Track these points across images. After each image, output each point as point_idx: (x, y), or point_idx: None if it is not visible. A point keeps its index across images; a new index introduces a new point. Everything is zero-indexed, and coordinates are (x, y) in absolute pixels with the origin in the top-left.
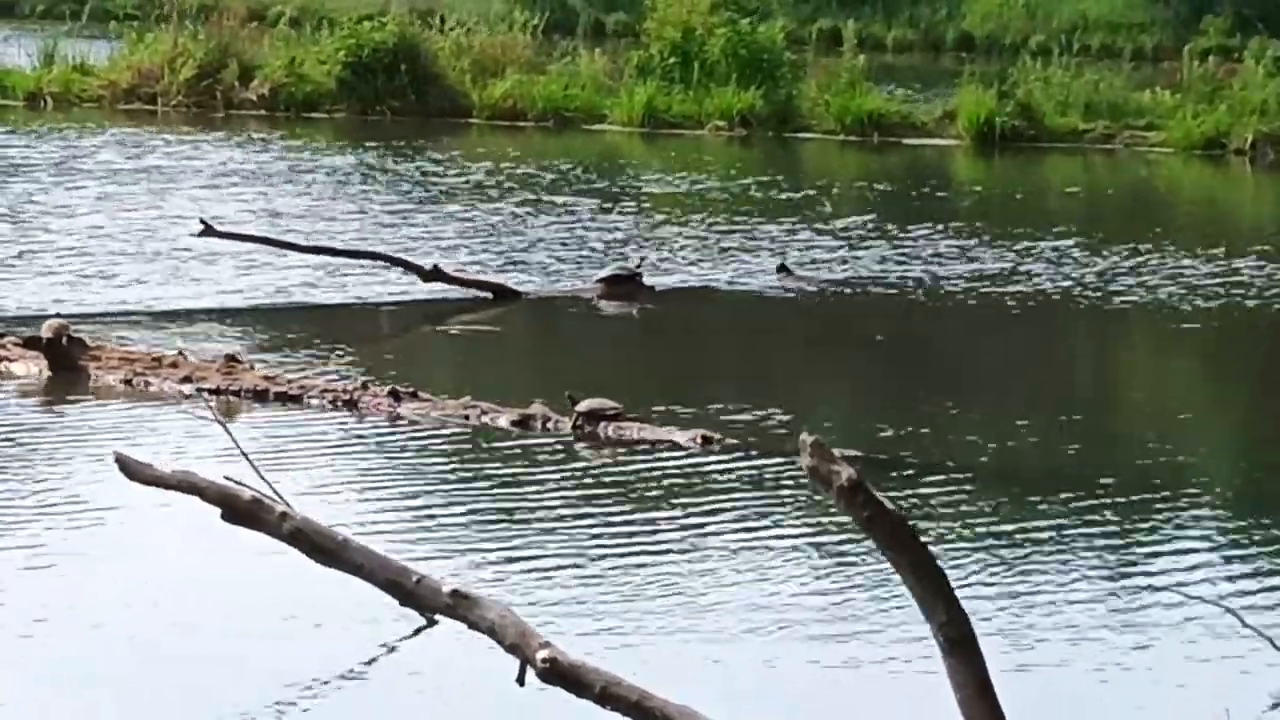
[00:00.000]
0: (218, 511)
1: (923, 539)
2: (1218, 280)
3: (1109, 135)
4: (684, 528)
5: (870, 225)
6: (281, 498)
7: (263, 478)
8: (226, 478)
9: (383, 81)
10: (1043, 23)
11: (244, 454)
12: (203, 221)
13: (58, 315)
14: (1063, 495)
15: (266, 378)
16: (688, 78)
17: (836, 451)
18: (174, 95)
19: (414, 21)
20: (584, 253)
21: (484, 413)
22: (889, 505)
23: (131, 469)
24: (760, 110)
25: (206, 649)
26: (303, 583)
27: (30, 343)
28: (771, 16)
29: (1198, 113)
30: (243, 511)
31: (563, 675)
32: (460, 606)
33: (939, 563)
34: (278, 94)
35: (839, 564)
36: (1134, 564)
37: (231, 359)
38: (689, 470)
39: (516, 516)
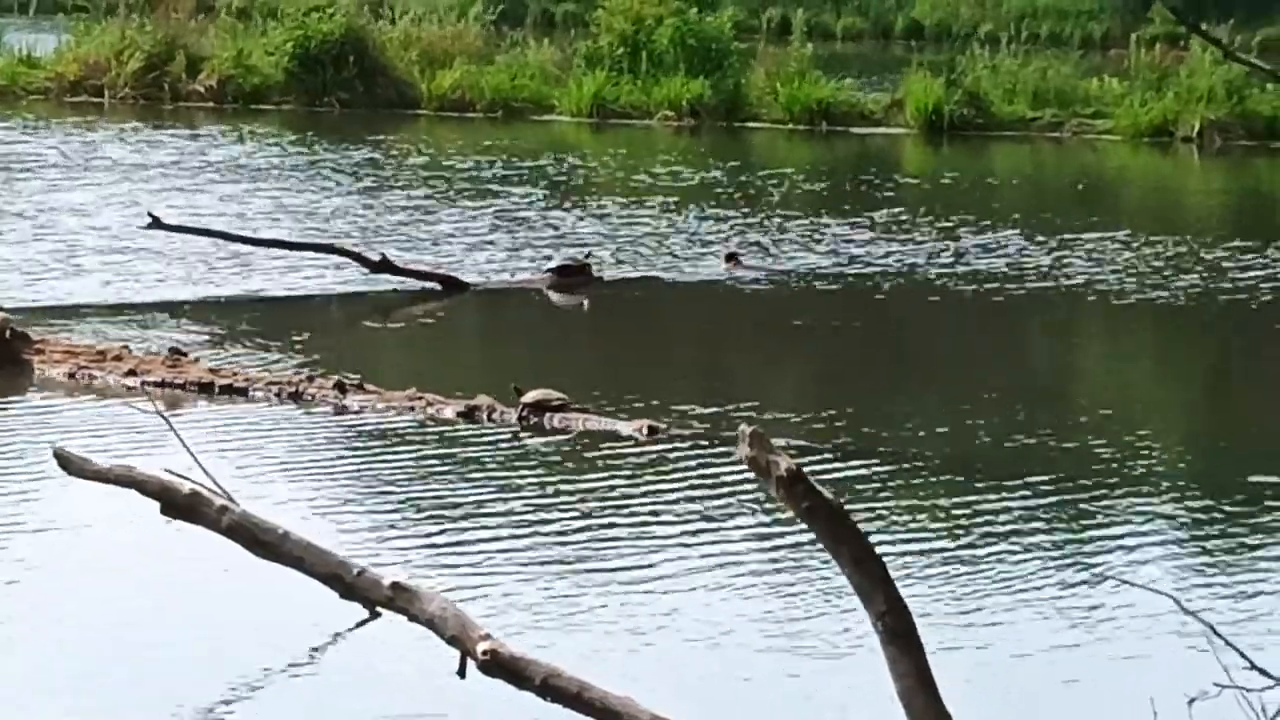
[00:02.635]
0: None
1: (864, 529)
2: (1167, 268)
3: (1057, 123)
4: (629, 518)
5: (819, 214)
6: (223, 491)
7: (205, 471)
8: (167, 471)
9: (331, 73)
10: (991, 11)
11: (186, 447)
12: (151, 215)
13: (0, 309)
14: (1009, 483)
15: (211, 370)
16: (636, 68)
17: (782, 441)
18: (121, 87)
19: (362, 13)
20: (532, 243)
21: (429, 404)
22: (828, 496)
23: (71, 463)
24: (708, 100)
25: (152, 643)
26: (246, 576)
27: None
28: (720, 6)
29: (1145, 100)
30: (182, 505)
31: (504, 667)
32: (400, 599)
33: (878, 553)
34: (225, 86)
35: (785, 554)
36: (1079, 552)
37: (176, 352)
38: (635, 460)
39: (460, 508)
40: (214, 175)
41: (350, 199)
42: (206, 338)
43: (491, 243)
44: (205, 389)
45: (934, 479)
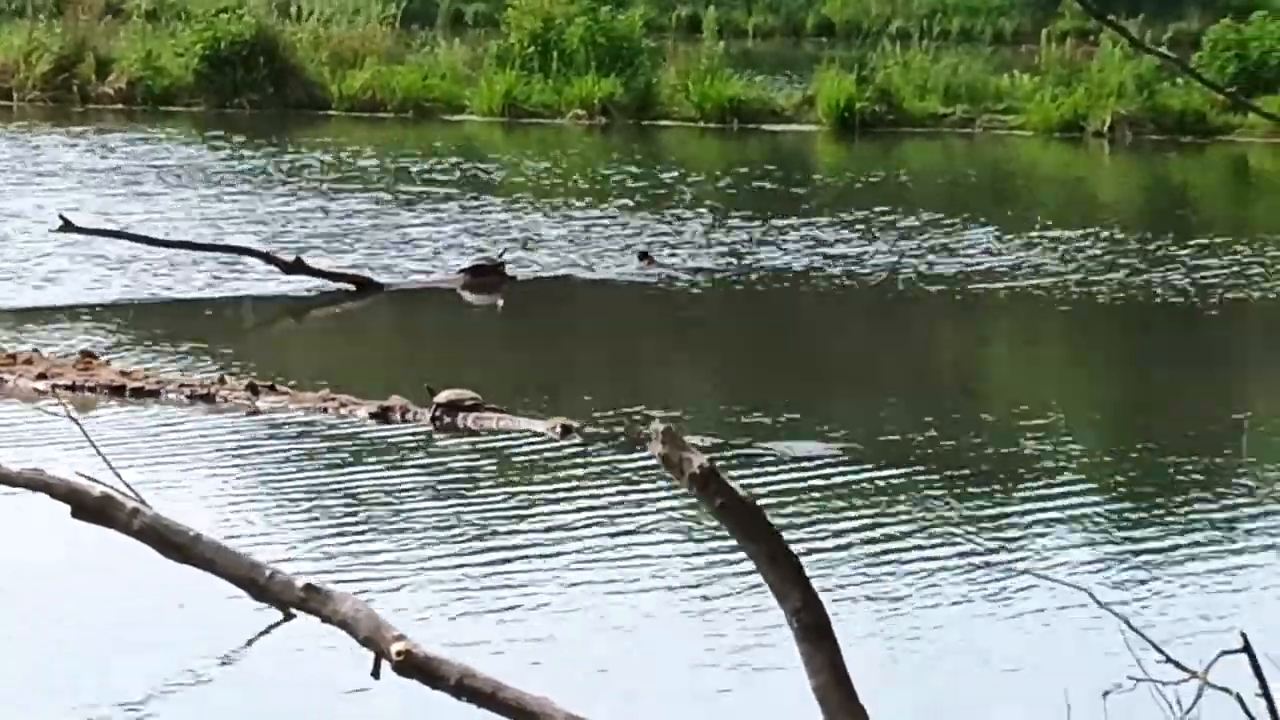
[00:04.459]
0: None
1: (779, 525)
2: (1082, 263)
3: (968, 119)
4: (544, 517)
5: (731, 212)
6: (135, 494)
7: (116, 474)
8: (78, 474)
9: (241, 74)
10: (902, 7)
11: (97, 450)
12: (61, 217)
13: None
14: (924, 479)
15: (123, 373)
16: (547, 67)
17: (697, 439)
18: (30, 90)
19: (271, 13)
20: (446, 244)
21: (342, 405)
22: (741, 492)
23: None
24: (620, 98)
25: (62, 644)
26: (157, 579)
27: None
28: (630, 4)
29: (1056, 95)
30: (92, 508)
31: (418, 668)
32: (313, 601)
33: (792, 549)
34: (135, 87)
35: (700, 551)
36: (995, 547)
37: (87, 355)
38: (549, 459)
39: (374, 509)
40: (124, 177)
41: (262, 199)
42: (118, 340)
43: (405, 243)
44: (116, 392)
45: (849, 475)
